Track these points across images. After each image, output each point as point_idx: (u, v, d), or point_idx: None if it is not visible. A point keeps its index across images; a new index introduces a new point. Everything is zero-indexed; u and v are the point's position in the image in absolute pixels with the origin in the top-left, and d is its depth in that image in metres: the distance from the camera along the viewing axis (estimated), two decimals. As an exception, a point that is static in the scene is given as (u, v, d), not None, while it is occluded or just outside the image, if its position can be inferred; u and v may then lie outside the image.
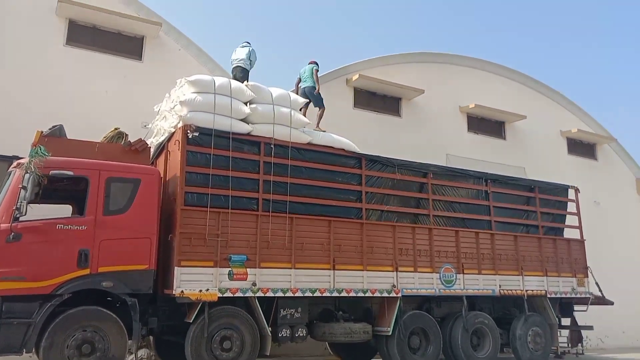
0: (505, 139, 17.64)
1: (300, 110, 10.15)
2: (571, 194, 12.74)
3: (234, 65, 10.08)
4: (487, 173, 11.55)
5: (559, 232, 12.21)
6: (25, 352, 6.82)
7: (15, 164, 7.52)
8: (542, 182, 12.40)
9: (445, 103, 16.52)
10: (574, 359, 12.41)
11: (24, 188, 6.86)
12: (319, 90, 10.97)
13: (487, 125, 17.40)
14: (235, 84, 9.09)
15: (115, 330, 7.21)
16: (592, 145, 19.65)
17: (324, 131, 10.13)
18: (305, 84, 10.98)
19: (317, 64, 11.12)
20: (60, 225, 7.19)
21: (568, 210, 12.62)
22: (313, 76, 10.93)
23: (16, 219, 6.81)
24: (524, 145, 17.69)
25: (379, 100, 15.52)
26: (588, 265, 12.19)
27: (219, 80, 8.93)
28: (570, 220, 12.51)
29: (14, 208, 6.79)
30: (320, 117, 10.90)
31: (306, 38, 39.67)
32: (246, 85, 9.18)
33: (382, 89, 15.36)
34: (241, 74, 9.89)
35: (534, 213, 11.79)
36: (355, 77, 14.80)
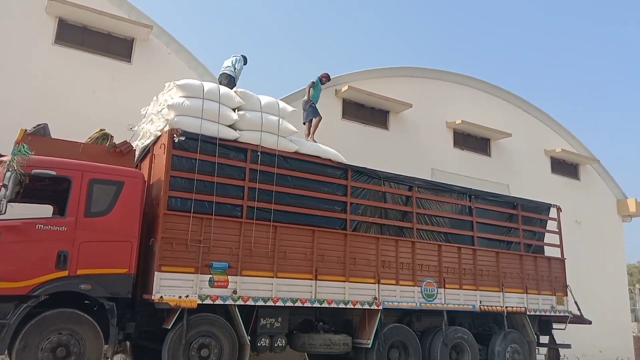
0: (490, 155, 17.82)
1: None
2: (553, 212, 12.88)
3: (220, 72, 10.19)
4: (471, 189, 11.63)
5: (540, 249, 12.31)
6: (-2, 354, 6.68)
7: (-4, 161, 7.40)
8: (525, 200, 12.52)
9: (433, 118, 16.65)
10: (551, 377, 12.47)
11: (5, 186, 6.77)
12: (308, 101, 11.16)
13: (472, 141, 17.56)
14: (224, 89, 9.09)
15: (92, 334, 7.09)
16: (575, 165, 19.93)
17: (315, 142, 10.23)
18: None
19: (322, 80, 11.60)
20: (40, 226, 7.08)
21: (549, 228, 12.75)
22: (306, 88, 11.26)
23: (-5, 218, 6.70)
24: (508, 162, 17.88)
25: (367, 113, 15.60)
26: (568, 283, 12.31)
27: (208, 86, 8.91)
28: (552, 238, 12.64)
29: (-7, 206, 6.67)
30: (315, 126, 10.95)
31: (298, 48, 39.90)
32: (235, 92, 9.19)
33: (371, 102, 15.45)
34: (226, 80, 9.98)
35: (516, 230, 11.89)
36: (345, 88, 14.87)
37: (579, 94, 45.97)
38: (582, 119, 44.55)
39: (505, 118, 18.15)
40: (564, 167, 19.59)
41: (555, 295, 11.96)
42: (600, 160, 20.32)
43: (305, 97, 11.20)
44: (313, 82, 11.37)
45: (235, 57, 10.39)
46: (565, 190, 18.47)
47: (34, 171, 7.10)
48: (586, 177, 20.00)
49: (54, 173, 7.28)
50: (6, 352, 6.80)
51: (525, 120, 18.98)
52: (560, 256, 12.52)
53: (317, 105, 11.22)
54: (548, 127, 19.55)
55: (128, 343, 9.21)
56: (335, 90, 15.01)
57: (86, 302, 7.45)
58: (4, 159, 7.23)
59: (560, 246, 12.62)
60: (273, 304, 8.51)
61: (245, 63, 10.56)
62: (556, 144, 19.20)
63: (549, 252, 12.53)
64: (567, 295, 12.20)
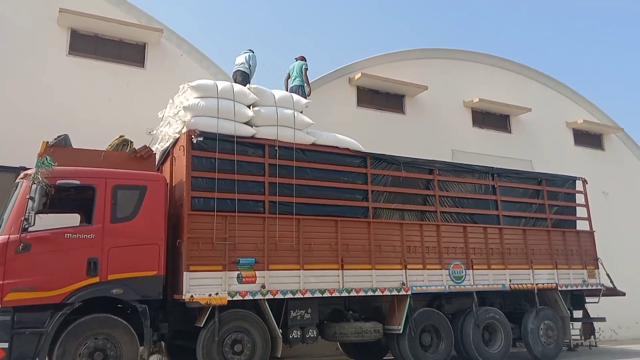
0: (510, 132, 17.56)
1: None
2: (579, 185, 12.67)
3: (234, 70, 10.20)
4: (493, 167, 11.50)
5: (568, 224, 12.14)
6: (39, 362, 6.86)
7: (22, 175, 7.57)
8: (549, 175, 12.34)
9: (449, 98, 16.45)
10: (586, 352, 12.34)
11: (32, 199, 6.91)
12: (310, 92, 10.81)
13: (492, 119, 17.33)
14: (237, 87, 9.13)
15: (127, 337, 7.24)
16: (598, 136, 19.53)
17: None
18: (294, 82, 10.81)
19: (305, 60, 10.97)
20: (68, 235, 7.24)
21: (576, 201, 12.55)
22: (302, 75, 10.78)
23: (25, 230, 6.86)
24: (529, 138, 17.60)
25: (382, 98, 15.49)
26: (598, 256, 12.13)
27: (222, 85, 8.96)
28: (579, 211, 12.45)
29: (22, 219, 6.84)
30: None
31: (308, 38, 39.71)
32: (248, 88, 9.21)
33: (385, 87, 15.33)
34: (241, 77, 10.00)
35: (542, 206, 11.74)
36: (358, 75, 14.77)
37: (599, 61, 44.74)
38: (602, 86, 43.42)
39: (523, 93, 17.85)
40: (587, 138, 19.22)
41: (586, 268, 11.80)
42: (625, 129, 19.88)
43: (307, 87, 10.80)
44: (307, 68, 10.86)
45: (247, 54, 10.36)
46: (590, 162, 18.13)
47: (59, 182, 7.23)
48: (611, 147, 19.58)
49: (78, 182, 7.41)
50: (47, 359, 7.00)
51: (545, 94, 18.64)
52: (589, 229, 12.33)
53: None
54: (568, 99, 19.17)
55: (163, 343, 9.38)
56: (349, 78, 14.94)
57: (119, 306, 7.61)
58: (28, 172, 7.39)
59: (589, 219, 12.42)
60: (302, 296, 8.57)
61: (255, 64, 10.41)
62: (577, 116, 18.82)
63: (578, 225, 12.34)
64: (598, 268, 12.02)
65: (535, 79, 18.70)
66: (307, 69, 10.87)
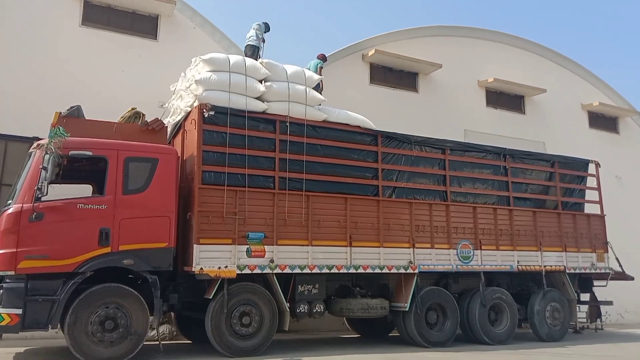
0: (524, 113, 17.35)
1: None
2: (592, 168, 12.56)
3: (245, 44, 10.10)
4: (505, 148, 11.41)
5: (578, 207, 12.07)
6: (51, 328, 7.01)
7: (35, 145, 7.64)
8: (561, 157, 12.22)
9: (463, 77, 16.25)
10: (592, 334, 12.37)
11: (45, 169, 6.98)
12: (322, 90, 10.22)
13: (506, 99, 17.12)
14: (249, 61, 9.08)
15: (137, 306, 7.37)
16: (614, 119, 19.24)
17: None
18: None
19: (324, 60, 10.78)
20: (80, 205, 7.33)
21: (588, 184, 12.45)
22: (317, 71, 10.40)
23: (38, 199, 6.95)
24: (543, 119, 17.39)
25: (395, 76, 15.34)
26: (608, 240, 12.07)
27: (234, 58, 8.91)
28: (591, 195, 12.36)
29: (36, 188, 6.93)
30: None
31: (321, 12, 39.22)
32: (260, 63, 9.15)
33: (399, 64, 15.17)
34: (250, 51, 9.90)
35: (554, 188, 11.66)
36: (371, 52, 14.61)
37: (616, 43, 43.81)
38: (620, 68, 42.59)
39: (539, 73, 17.57)
40: (602, 121, 18.94)
41: (595, 252, 11.76)
42: (641, 112, 19.57)
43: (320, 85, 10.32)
44: (322, 67, 10.60)
45: (256, 26, 10.23)
46: (604, 145, 17.89)
47: (71, 152, 7.30)
48: (626, 131, 19.30)
49: (90, 153, 7.47)
50: (59, 326, 7.16)
51: (560, 75, 18.33)
52: (600, 213, 12.25)
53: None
54: (584, 81, 18.84)
55: (172, 314, 9.56)
56: (362, 55, 14.78)
57: (130, 276, 7.72)
58: (41, 142, 7.46)
59: (600, 202, 12.34)
60: (310, 272, 8.65)
61: (267, 30, 10.37)
62: (593, 98, 18.52)
63: (589, 208, 12.27)
64: (607, 252, 11.98)
65: (551, 59, 18.37)
66: (322, 67, 10.60)
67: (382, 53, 14.64)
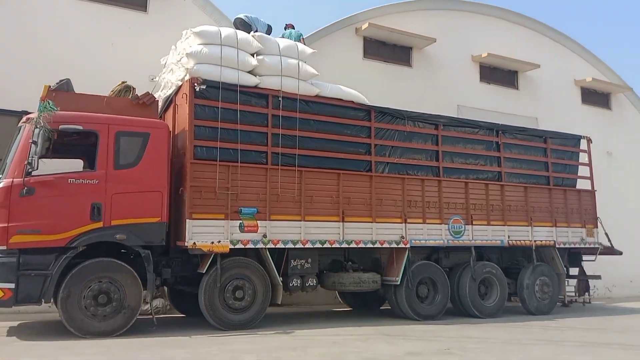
0: (518, 88, 17.31)
1: None
2: (583, 144, 12.62)
3: (235, 17, 9.90)
4: (498, 124, 11.42)
5: (570, 182, 12.15)
6: (44, 302, 7.04)
7: (24, 118, 7.55)
8: (553, 133, 12.25)
9: (457, 52, 16.13)
10: (580, 308, 12.59)
11: (35, 143, 6.92)
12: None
13: (499, 74, 17.04)
14: (241, 34, 8.94)
15: (130, 280, 7.40)
16: (606, 95, 19.24)
17: None
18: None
19: (294, 28, 10.43)
20: (72, 180, 7.29)
21: (580, 160, 12.52)
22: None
23: (28, 174, 6.91)
24: (536, 95, 17.36)
25: (389, 50, 15.19)
26: (598, 215, 12.19)
27: (225, 31, 8.78)
28: (582, 170, 12.44)
29: (26, 163, 6.88)
30: None
31: (315, -14, 38.54)
32: (252, 36, 9.02)
33: (393, 39, 15.01)
34: (242, 26, 9.69)
35: (545, 164, 11.72)
36: (365, 25, 14.43)
37: (610, 18, 43.52)
38: (613, 44, 42.43)
39: (533, 48, 17.46)
40: (595, 97, 18.94)
41: (585, 227, 11.89)
42: (634, 88, 19.57)
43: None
44: (303, 38, 10.38)
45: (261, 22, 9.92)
46: (596, 121, 17.94)
47: (61, 127, 7.22)
48: (618, 107, 19.33)
49: (81, 127, 7.40)
50: (52, 300, 7.19)
51: (554, 50, 18.23)
52: (590, 188, 12.35)
53: None
54: (578, 56, 18.77)
55: (166, 288, 9.62)
56: (355, 28, 14.60)
57: (122, 251, 7.74)
58: (31, 116, 7.36)
59: (591, 178, 12.43)
60: (302, 246, 8.71)
61: (269, 32, 9.87)
62: (586, 73, 18.48)
63: (580, 184, 12.36)
64: (597, 227, 12.11)
65: (545, 34, 18.25)
66: (303, 38, 10.32)
67: (375, 27, 14.46)
